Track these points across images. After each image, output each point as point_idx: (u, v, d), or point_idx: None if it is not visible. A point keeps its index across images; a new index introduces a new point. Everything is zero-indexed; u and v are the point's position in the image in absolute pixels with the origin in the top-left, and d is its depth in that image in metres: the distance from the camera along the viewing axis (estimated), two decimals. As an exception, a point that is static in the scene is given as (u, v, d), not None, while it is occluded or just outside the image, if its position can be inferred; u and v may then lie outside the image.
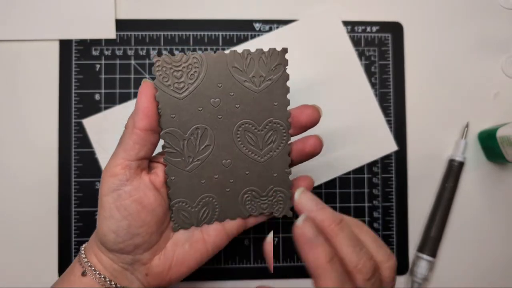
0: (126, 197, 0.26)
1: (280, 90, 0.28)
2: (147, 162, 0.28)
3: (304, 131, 0.29)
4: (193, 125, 0.28)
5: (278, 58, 0.28)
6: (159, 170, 0.28)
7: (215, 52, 0.27)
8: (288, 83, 0.28)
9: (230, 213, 0.29)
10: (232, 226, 0.30)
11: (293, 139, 0.29)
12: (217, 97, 0.28)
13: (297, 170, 0.37)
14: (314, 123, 0.28)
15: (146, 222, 0.26)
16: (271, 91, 0.28)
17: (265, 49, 0.27)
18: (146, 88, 0.26)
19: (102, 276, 0.27)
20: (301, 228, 0.23)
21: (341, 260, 0.23)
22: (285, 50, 0.28)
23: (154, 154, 0.29)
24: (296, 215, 0.25)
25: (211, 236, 0.29)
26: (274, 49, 0.27)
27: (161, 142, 0.28)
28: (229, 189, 0.29)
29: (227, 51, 0.27)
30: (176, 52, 0.38)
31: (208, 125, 0.28)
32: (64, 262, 0.37)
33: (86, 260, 0.27)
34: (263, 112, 0.28)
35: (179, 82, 0.27)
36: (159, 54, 0.38)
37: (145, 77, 0.38)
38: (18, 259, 0.37)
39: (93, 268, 0.27)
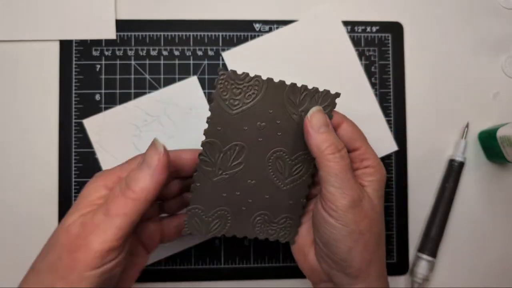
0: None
1: None
2: None
3: None
4: (234, 141, 0.28)
5: (329, 100, 0.29)
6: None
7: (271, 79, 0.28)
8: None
9: (238, 230, 0.30)
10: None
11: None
12: (264, 122, 0.28)
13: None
14: None
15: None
16: None
17: (321, 89, 0.29)
18: (156, 161, 0.25)
19: None
20: (311, 118, 0.27)
21: None
22: (337, 95, 0.29)
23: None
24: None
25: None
26: (328, 91, 0.29)
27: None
28: (246, 208, 0.30)
29: (288, 82, 0.28)
30: (176, 53, 0.38)
31: (246, 145, 0.28)
32: (64, 262, 0.37)
33: None
34: (300, 145, 0.29)
35: (235, 99, 0.28)
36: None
37: (146, 77, 0.38)
38: (18, 259, 0.37)
39: None
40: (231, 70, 0.27)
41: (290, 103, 0.28)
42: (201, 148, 0.28)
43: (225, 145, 0.28)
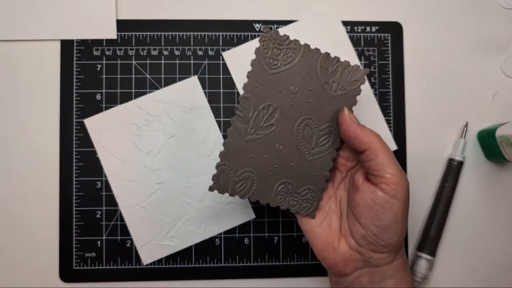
0: None
1: (349, 101, 0.30)
2: None
3: None
4: (268, 101, 0.30)
5: (359, 75, 0.30)
6: None
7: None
8: None
9: (262, 196, 0.30)
10: None
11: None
12: (297, 86, 0.30)
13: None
14: None
15: None
16: (342, 100, 0.30)
17: (352, 63, 0.30)
18: None
19: None
20: (349, 115, 0.29)
21: None
22: (366, 71, 0.30)
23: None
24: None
25: None
26: (358, 66, 0.30)
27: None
28: (271, 173, 0.30)
29: (322, 51, 0.30)
30: (177, 53, 0.38)
31: (279, 107, 0.30)
32: (65, 261, 0.37)
33: None
34: (328, 116, 0.30)
35: (275, 59, 0.30)
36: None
37: (146, 77, 0.38)
38: (19, 258, 0.37)
39: None
40: (274, 30, 0.29)
41: (323, 71, 0.30)
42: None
43: (259, 104, 0.29)
